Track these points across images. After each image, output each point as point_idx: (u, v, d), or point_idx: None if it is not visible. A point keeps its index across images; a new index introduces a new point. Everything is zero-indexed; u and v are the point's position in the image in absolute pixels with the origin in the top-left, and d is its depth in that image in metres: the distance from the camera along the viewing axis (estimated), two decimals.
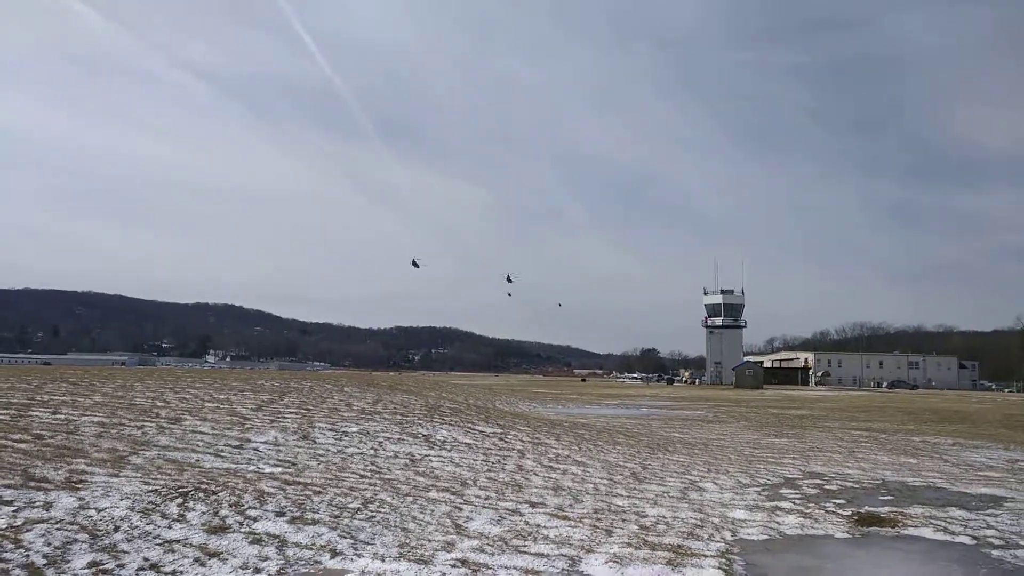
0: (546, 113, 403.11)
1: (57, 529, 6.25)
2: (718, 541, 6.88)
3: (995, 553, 6.67)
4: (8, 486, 7.39)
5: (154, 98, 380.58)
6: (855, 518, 8.12)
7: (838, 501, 9.27)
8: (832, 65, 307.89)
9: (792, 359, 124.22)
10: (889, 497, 9.69)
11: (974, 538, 7.25)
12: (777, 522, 7.86)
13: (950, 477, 12.00)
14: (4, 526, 6.19)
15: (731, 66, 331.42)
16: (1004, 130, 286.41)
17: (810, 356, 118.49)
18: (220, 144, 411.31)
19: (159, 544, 6.13)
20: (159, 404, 14.61)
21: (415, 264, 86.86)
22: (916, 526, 7.76)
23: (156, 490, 7.79)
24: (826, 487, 10.43)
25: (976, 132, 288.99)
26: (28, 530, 6.14)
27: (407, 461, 11.18)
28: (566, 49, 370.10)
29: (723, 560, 6.19)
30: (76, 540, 6.04)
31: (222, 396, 16.63)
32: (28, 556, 5.57)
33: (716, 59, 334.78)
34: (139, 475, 8.56)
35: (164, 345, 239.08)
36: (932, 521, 8.02)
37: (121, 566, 5.56)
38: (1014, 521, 8.15)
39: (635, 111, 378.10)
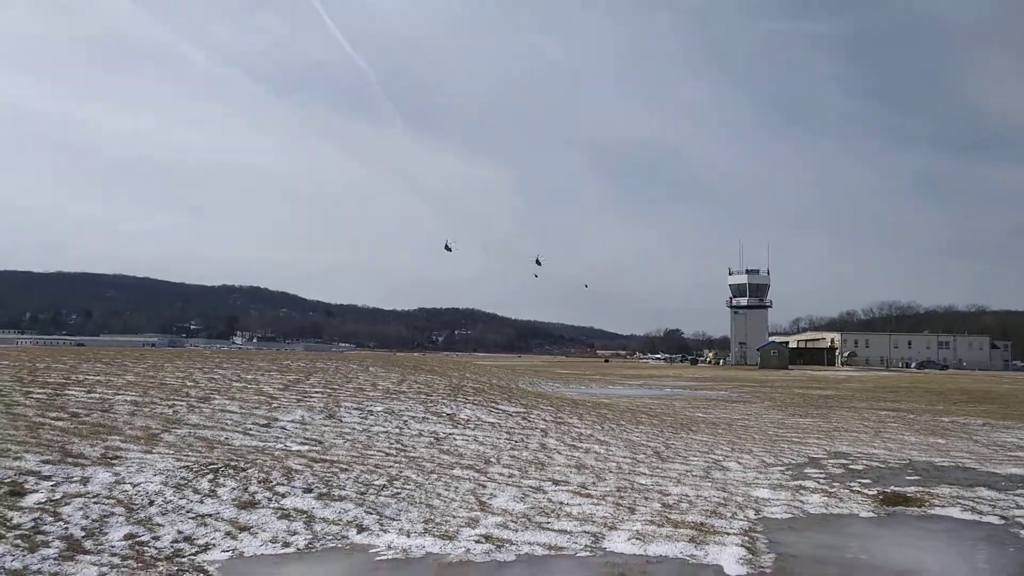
0: (567, 90, 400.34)
1: (94, 503, 6.44)
2: (741, 519, 6.89)
3: (1023, 533, 6.61)
4: (47, 461, 7.62)
5: (177, 80, 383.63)
6: (880, 497, 8.07)
7: (863, 481, 9.21)
8: (860, 35, 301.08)
9: (818, 339, 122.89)
10: (916, 477, 9.61)
11: (1003, 518, 7.18)
12: (801, 501, 7.84)
13: (979, 457, 11.86)
14: (44, 500, 6.39)
15: (756, 37, 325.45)
16: None
17: (836, 336, 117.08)
18: (245, 126, 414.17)
19: (192, 518, 6.30)
20: (189, 384, 14.90)
21: (448, 248, 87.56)
22: (943, 506, 7.70)
23: (188, 466, 7.98)
24: (851, 467, 10.37)
25: (1009, 103, 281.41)
26: (67, 504, 6.33)
27: (431, 439, 11.31)
28: (587, 22, 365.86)
29: (746, 538, 6.20)
30: (113, 513, 6.22)
31: (249, 376, 16.91)
32: (67, 528, 5.76)
33: (740, 30, 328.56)
34: (171, 452, 8.77)
35: (192, 327, 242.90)
36: (959, 501, 7.95)
37: (156, 538, 5.73)
38: None
39: (657, 85, 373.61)
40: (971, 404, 26.20)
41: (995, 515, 7.30)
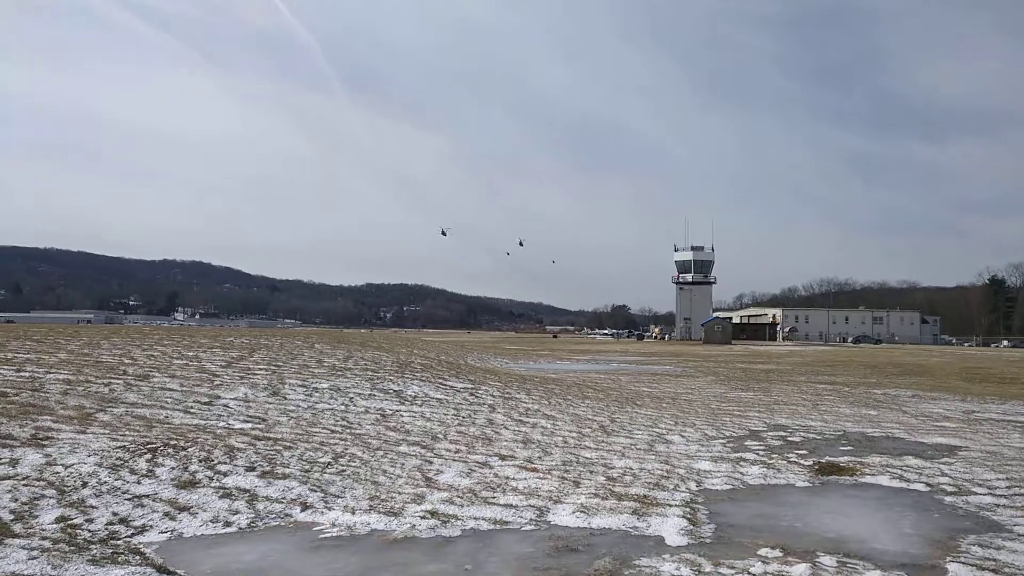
0: (510, 59, 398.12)
1: (24, 485, 6.19)
2: (683, 491, 7.06)
3: (948, 499, 6.95)
4: None
5: (105, 43, 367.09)
6: (816, 468, 8.38)
7: (800, 452, 9.54)
8: (799, 15, 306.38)
9: (760, 315, 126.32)
10: (849, 447, 10.00)
11: (928, 485, 7.54)
12: (741, 472, 8.08)
13: (908, 428, 12.41)
14: None
15: (700, 15, 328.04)
16: (968, 83, 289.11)
17: (778, 312, 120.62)
18: (183, 96, 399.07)
19: (128, 499, 6.12)
20: (126, 361, 14.43)
21: (443, 233, 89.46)
22: (873, 475, 8.04)
23: (124, 446, 7.74)
24: (789, 439, 10.72)
25: (940, 84, 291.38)
26: None
27: (378, 416, 11.23)
28: None
29: (687, 509, 6.35)
30: (43, 496, 6.00)
31: (191, 353, 16.47)
32: None
33: (685, 7, 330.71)
34: (107, 432, 8.49)
35: (131, 303, 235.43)
36: (889, 470, 8.30)
37: (90, 520, 5.55)
38: (967, 469, 8.48)
39: (600, 58, 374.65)
40: (902, 377, 27.36)
41: (921, 483, 7.65)
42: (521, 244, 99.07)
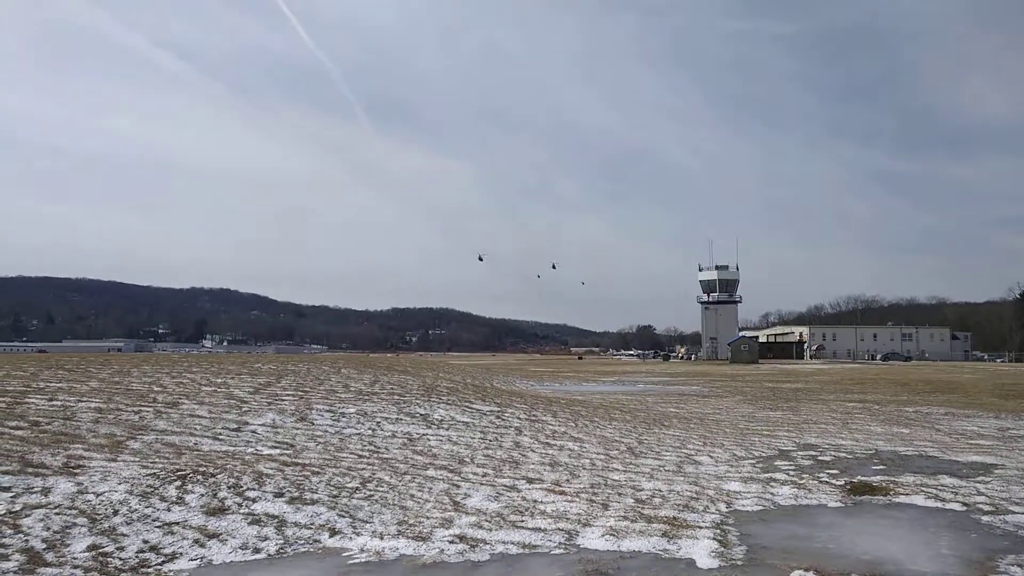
0: (533, 86, 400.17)
1: (56, 514, 6.29)
2: (713, 513, 6.96)
3: (984, 519, 6.77)
4: (5, 472, 7.42)
5: (136, 78, 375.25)
6: (848, 487, 8.21)
7: (831, 471, 9.36)
8: (821, 34, 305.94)
9: (787, 333, 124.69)
10: (881, 466, 9.80)
11: (964, 504, 7.35)
12: (771, 493, 7.94)
13: (941, 446, 12.13)
14: (3, 512, 6.23)
15: (720, 36, 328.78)
16: (996, 99, 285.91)
17: (805, 330, 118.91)
18: (205, 125, 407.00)
19: (158, 527, 6.18)
20: (156, 389, 14.63)
21: (480, 259, 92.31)
22: (907, 494, 7.86)
23: (154, 473, 7.82)
24: (820, 458, 10.54)
25: (967, 101, 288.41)
26: (27, 515, 6.17)
27: (405, 440, 11.24)
28: (551, 19, 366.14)
29: (718, 531, 6.26)
30: (75, 524, 6.08)
31: (219, 380, 16.66)
32: (27, 541, 5.61)
33: (705, 29, 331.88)
34: (137, 459, 8.60)
35: (160, 331, 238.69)
36: (923, 489, 8.12)
37: (121, 548, 5.61)
38: (1003, 487, 8.26)
39: (622, 82, 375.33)
40: (933, 394, 26.79)
41: (957, 502, 7.46)
42: (554, 267, 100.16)
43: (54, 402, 12.26)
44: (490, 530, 6.28)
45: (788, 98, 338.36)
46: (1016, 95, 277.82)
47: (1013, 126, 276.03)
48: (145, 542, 5.79)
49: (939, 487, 8.25)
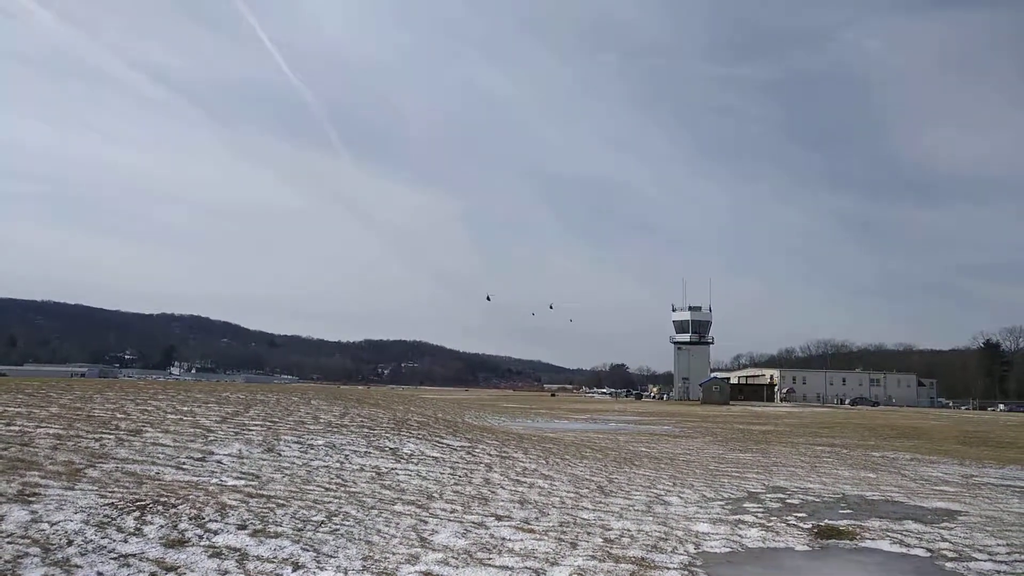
0: (514, 124, 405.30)
1: (8, 543, 6.08)
2: (681, 554, 6.94)
3: (948, 565, 6.83)
4: None
5: (111, 102, 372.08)
6: (815, 531, 8.25)
7: (799, 515, 9.40)
8: (793, 80, 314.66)
9: (758, 375, 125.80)
10: (848, 511, 9.86)
11: (929, 550, 7.42)
12: (739, 535, 7.95)
13: (907, 491, 12.25)
14: None
15: (700, 79, 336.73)
16: (965, 149, 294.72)
17: (776, 373, 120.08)
18: (182, 151, 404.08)
19: (114, 558, 6.00)
20: (119, 416, 14.29)
21: (488, 298, 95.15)
22: (873, 539, 7.91)
23: (112, 503, 7.61)
24: (788, 501, 10.58)
25: (938, 150, 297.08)
26: None
27: (373, 474, 11.08)
28: (533, 59, 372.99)
29: (685, 572, 6.24)
30: (27, 554, 5.88)
31: (185, 408, 16.33)
32: None
33: (685, 72, 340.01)
34: (95, 488, 8.36)
35: (127, 356, 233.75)
36: (889, 534, 8.18)
37: None
38: (967, 534, 8.35)
39: (603, 122, 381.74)
40: (900, 439, 27.10)
41: (922, 548, 7.53)
42: (552, 307, 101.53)
43: (11, 427, 11.91)
44: (456, 567, 6.19)
45: (760, 142, 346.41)
46: (983, 144, 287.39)
47: (980, 175, 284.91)
48: (99, 574, 5.61)
49: (904, 532, 8.32)
